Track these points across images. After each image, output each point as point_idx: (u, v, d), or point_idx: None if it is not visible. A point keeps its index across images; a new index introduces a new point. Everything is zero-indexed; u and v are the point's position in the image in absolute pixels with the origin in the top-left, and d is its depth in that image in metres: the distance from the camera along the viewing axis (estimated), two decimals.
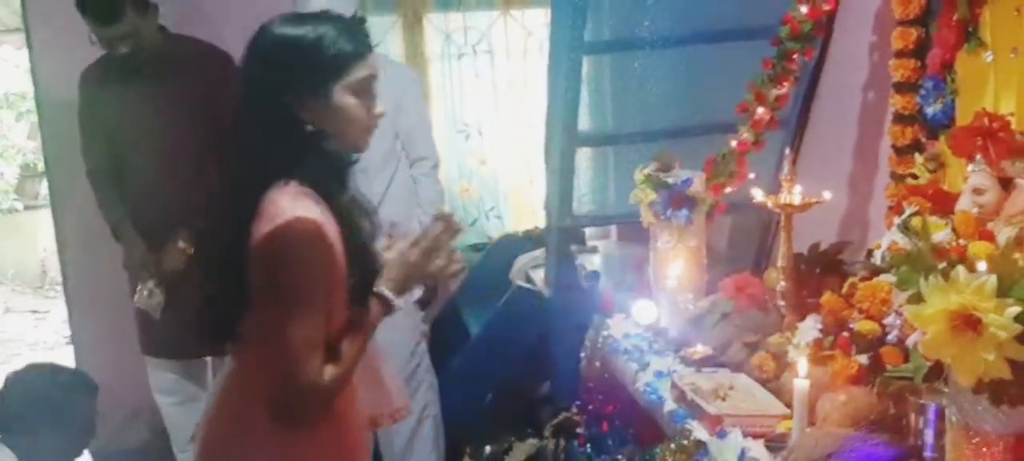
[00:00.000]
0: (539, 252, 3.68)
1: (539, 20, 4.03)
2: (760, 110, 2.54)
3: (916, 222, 1.80)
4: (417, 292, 3.16)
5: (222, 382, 1.75)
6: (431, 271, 1.71)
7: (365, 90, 1.63)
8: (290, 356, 1.53)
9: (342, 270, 1.59)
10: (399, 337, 3.16)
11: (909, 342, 1.46)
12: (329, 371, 1.57)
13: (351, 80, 1.60)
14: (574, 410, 2.87)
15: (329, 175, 1.61)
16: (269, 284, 1.54)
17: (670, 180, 2.38)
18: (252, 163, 1.58)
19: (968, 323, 1.26)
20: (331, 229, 1.56)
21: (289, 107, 1.57)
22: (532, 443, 3.57)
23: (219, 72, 2.81)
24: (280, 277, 1.53)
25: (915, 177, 2.30)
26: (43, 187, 7.01)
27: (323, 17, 1.63)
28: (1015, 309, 1.23)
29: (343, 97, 1.60)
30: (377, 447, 3.29)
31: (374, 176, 2.97)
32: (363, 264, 1.65)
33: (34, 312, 6.60)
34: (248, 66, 1.62)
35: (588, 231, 3.99)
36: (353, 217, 1.64)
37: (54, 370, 2.93)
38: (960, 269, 1.25)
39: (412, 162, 3.16)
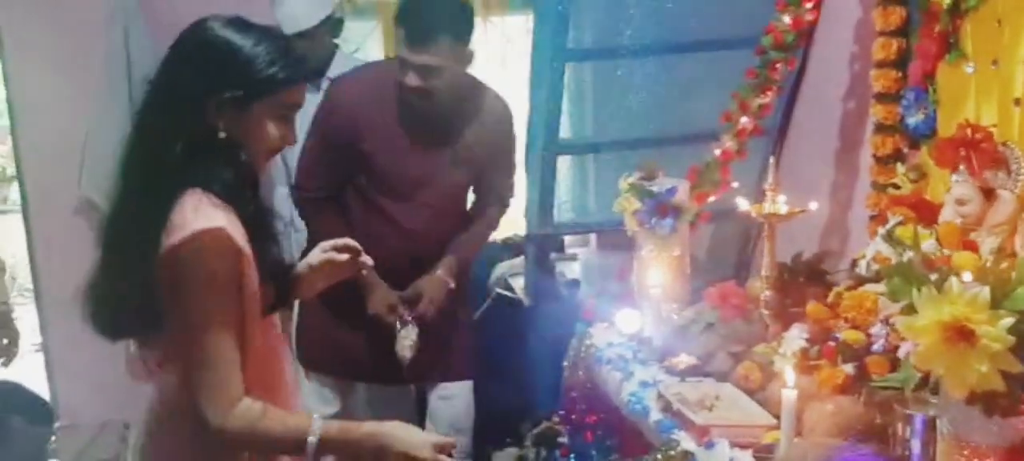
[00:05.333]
0: (518, 260, 3.67)
1: (519, 27, 4.02)
2: (744, 119, 2.55)
3: (903, 232, 1.80)
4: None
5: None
6: None
7: (285, 116, 1.60)
8: (197, 390, 1.50)
9: (253, 276, 1.55)
10: None
11: (901, 353, 1.46)
12: (244, 409, 1.50)
13: (276, 103, 1.57)
14: (556, 419, 2.86)
15: (239, 184, 1.55)
16: (174, 303, 1.49)
17: (654, 189, 2.37)
18: (162, 164, 1.52)
19: (961, 334, 1.26)
20: (239, 235, 1.51)
21: (205, 111, 1.52)
22: (512, 452, 3.56)
23: (499, 125, 2.71)
24: (183, 296, 1.48)
25: (897, 187, 2.32)
26: (12, 192, 6.89)
27: (267, 32, 1.59)
28: (1008, 320, 1.23)
29: (263, 117, 1.56)
30: None
31: None
32: (274, 268, 1.64)
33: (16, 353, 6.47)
34: (176, 59, 1.57)
35: (567, 239, 3.98)
36: (262, 222, 1.60)
37: (9, 391, 2.84)
38: (953, 280, 1.26)
39: None
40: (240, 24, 1.58)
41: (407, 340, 2.66)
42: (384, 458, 1.56)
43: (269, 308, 1.70)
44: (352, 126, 2.61)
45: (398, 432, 1.57)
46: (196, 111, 1.52)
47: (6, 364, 3.24)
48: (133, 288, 1.54)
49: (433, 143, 2.62)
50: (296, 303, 2.77)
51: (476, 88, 2.70)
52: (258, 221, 1.58)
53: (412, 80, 2.48)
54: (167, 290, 1.49)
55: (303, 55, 1.63)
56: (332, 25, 3.30)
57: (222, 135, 1.54)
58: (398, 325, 2.66)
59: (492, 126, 2.68)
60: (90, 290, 1.61)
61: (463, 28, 2.52)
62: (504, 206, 2.91)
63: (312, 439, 1.53)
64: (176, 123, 1.52)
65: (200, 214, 1.47)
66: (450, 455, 1.58)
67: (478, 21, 4.00)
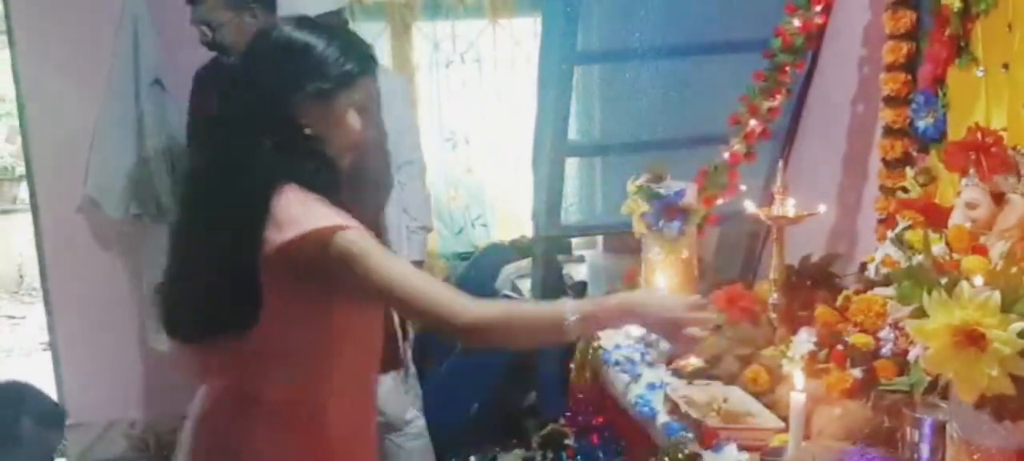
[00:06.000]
0: (526, 262, 3.67)
1: (527, 29, 4.03)
2: (752, 122, 2.55)
3: (913, 236, 1.80)
4: None
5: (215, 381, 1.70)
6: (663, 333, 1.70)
7: (366, 107, 1.65)
8: (432, 311, 1.54)
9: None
10: None
11: (911, 356, 1.45)
12: (487, 302, 1.60)
13: (355, 94, 1.62)
14: (562, 421, 2.86)
15: (327, 181, 1.59)
16: (346, 286, 1.54)
17: (663, 191, 2.37)
18: (252, 164, 1.56)
19: (971, 338, 1.26)
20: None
21: (291, 108, 1.57)
22: (518, 454, 3.57)
23: None
24: (359, 275, 1.52)
25: (905, 190, 2.31)
26: (20, 191, 6.92)
27: (335, 28, 1.66)
28: (1019, 325, 1.23)
29: (345, 109, 1.61)
30: None
31: None
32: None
33: (10, 317, 6.50)
34: (252, 59, 1.62)
35: (574, 241, 3.99)
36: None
37: (21, 392, 2.84)
38: (964, 284, 1.25)
39: (398, 167, 3.13)
40: (310, 24, 1.64)
41: None
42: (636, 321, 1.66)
43: None
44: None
45: (651, 297, 1.72)
46: (281, 109, 1.56)
47: None
48: (224, 286, 1.55)
49: None
50: None
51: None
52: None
53: (206, 36, 2.80)
54: (329, 275, 1.52)
55: (370, 48, 1.68)
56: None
57: (308, 132, 1.58)
58: None
59: None
60: (170, 296, 1.63)
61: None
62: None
63: (571, 318, 1.56)
64: (262, 123, 1.56)
65: (310, 209, 1.51)
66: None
67: (486, 24, 4.04)
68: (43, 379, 4.06)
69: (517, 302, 1.58)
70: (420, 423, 3.25)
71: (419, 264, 3.25)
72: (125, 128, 3.38)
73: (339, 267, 1.52)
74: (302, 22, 1.64)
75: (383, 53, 3.94)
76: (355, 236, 1.52)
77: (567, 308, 1.59)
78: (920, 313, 1.31)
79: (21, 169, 6.61)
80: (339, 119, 1.61)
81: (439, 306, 1.54)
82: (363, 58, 1.63)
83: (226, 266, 1.54)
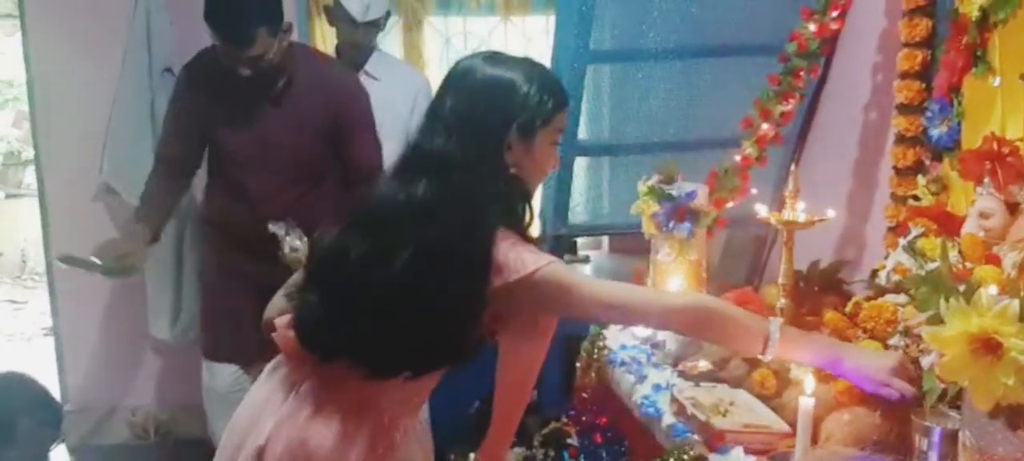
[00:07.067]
0: None
1: (539, 27, 4.03)
2: (765, 126, 2.54)
3: (926, 244, 1.79)
4: None
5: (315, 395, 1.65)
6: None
7: (557, 141, 1.67)
8: (640, 312, 1.68)
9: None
10: None
11: (925, 364, 1.45)
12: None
13: (553, 128, 1.63)
14: (564, 420, 2.85)
15: (526, 222, 1.63)
16: (554, 309, 1.69)
17: (674, 192, 2.36)
18: (471, 204, 1.55)
19: (987, 347, 1.25)
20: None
21: (501, 148, 1.58)
22: (518, 452, 3.54)
23: (340, 96, 2.83)
24: (563, 303, 1.61)
25: (916, 199, 2.31)
26: (26, 175, 6.93)
27: (528, 62, 1.67)
28: None
29: (544, 144, 1.63)
30: None
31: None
32: None
33: (12, 302, 6.51)
34: (461, 101, 1.60)
35: (579, 241, 3.98)
36: None
37: (18, 386, 2.81)
38: (982, 292, 1.25)
39: None
40: (504, 59, 1.65)
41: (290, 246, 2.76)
42: (835, 367, 1.66)
43: None
44: (198, 105, 2.81)
45: (863, 353, 1.69)
46: (496, 151, 1.58)
47: None
48: (445, 326, 1.56)
49: (272, 111, 2.76)
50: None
51: (310, 58, 2.89)
52: None
53: (245, 71, 2.65)
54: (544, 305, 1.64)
55: (559, 78, 1.71)
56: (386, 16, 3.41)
57: (512, 171, 1.60)
58: (282, 231, 2.75)
59: (334, 95, 2.81)
60: (359, 338, 1.57)
61: (275, 17, 2.65)
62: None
63: (776, 335, 1.61)
64: (482, 166, 1.56)
65: (523, 252, 1.56)
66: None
67: (498, 21, 4.03)
68: (45, 364, 4.06)
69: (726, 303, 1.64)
70: (423, 419, 3.25)
71: None
72: (140, 116, 3.38)
73: (541, 297, 1.58)
74: (496, 58, 1.64)
75: (394, 47, 3.94)
76: (556, 269, 1.58)
77: (773, 325, 1.63)
78: (936, 320, 1.31)
79: (27, 154, 6.64)
80: (540, 155, 1.63)
81: (653, 303, 1.66)
82: (559, 92, 1.65)
83: (455, 307, 1.54)
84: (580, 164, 3.65)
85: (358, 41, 3.28)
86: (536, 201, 3.06)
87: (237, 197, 2.84)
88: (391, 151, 3.02)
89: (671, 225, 2.36)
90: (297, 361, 1.65)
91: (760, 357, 1.67)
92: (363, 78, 3.10)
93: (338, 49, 3.39)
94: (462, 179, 1.55)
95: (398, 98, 3.14)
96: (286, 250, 2.74)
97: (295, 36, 2.91)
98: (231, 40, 2.62)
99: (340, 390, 1.62)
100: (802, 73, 2.55)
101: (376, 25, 3.30)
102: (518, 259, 1.55)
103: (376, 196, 1.64)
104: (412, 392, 1.66)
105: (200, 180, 3.03)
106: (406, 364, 1.58)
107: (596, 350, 2.56)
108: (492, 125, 1.58)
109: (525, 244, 1.59)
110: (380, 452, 1.63)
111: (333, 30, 3.42)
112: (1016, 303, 1.23)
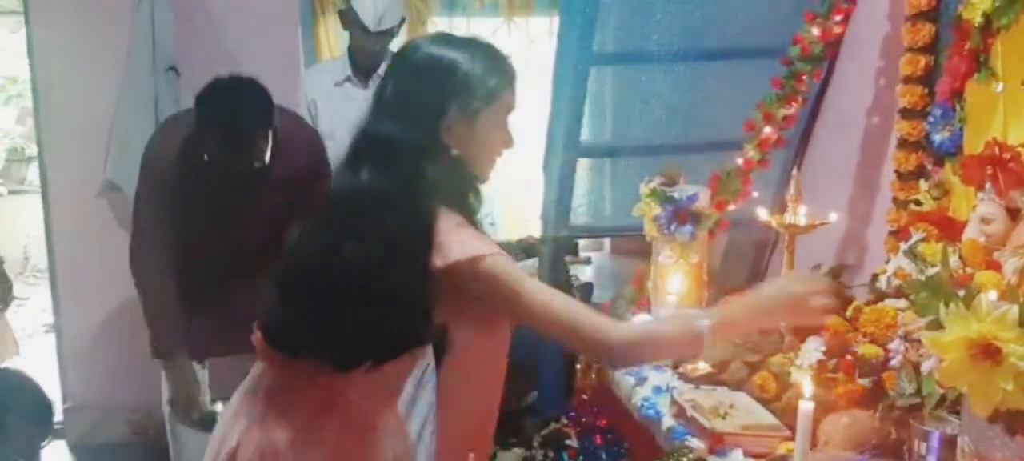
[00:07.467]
0: (532, 261, 3.66)
1: (542, 28, 4.04)
2: (767, 129, 2.54)
3: (927, 249, 1.79)
4: None
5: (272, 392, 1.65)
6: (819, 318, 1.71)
7: (506, 121, 1.65)
8: (581, 335, 1.57)
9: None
10: None
11: (924, 368, 1.45)
12: (627, 324, 1.69)
13: (498, 108, 1.62)
14: (563, 421, 2.85)
15: (472, 203, 1.62)
16: (499, 308, 1.60)
17: (676, 195, 2.36)
18: (408, 187, 1.55)
19: (987, 352, 1.25)
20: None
21: (439, 129, 1.57)
22: (517, 453, 3.55)
23: (309, 156, 2.64)
24: (507, 300, 1.57)
25: (918, 203, 2.30)
26: (29, 172, 6.93)
27: (475, 42, 1.65)
28: None
29: (488, 125, 1.61)
30: None
31: None
32: None
33: (14, 298, 6.50)
34: (399, 81, 1.60)
35: (581, 243, 3.98)
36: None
37: (10, 384, 2.80)
38: (982, 297, 1.25)
39: None
40: (450, 39, 1.65)
41: None
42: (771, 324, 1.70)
43: None
44: (173, 181, 2.57)
45: (770, 287, 1.69)
46: (433, 133, 1.56)
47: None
48: (399, 309, 1.55)
49: (254, 177, 2.56)
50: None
51: (293, 125, 2.71)
52: None
53: (236, 173, 2.50)
54: (478, 295, 1.56)
55: (507, 58, 1.66)
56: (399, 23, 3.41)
57: (455, 153, 1.58)
58: None
59: (306, 156, 2.62)
60: (319, 332, 1.57)
61: (269, 119, 2.50)
62: None
63: (705, 329, 1.58)
64: (419, 148, 1.55)
65: (466, 235, 1.54)
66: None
67: (502, 22, 4.04)
68: (45, 361, 4.07)
69: (651, 319, 1.60)
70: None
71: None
72: (145, 114, 3.37)
73: (485, 288, 1.55)
74: (441, 38, 1.65)
75: (397, 46, 3.94)
76: (504, 261, 1.56)
77: (699, 322, 1.60)
78: (936, 325, 1.31)
79: (30, 151, 6.64)
80: (485, 136, 1.62)
81: (586, 329, 1.56)
82: (503, 72, 1.63)
83: (402, 289, 1.54)
84: (582, 166, 3.65)
85: (371, 48, 3.29)
86: (535, 201, 3.10)
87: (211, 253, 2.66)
88: None
89: (673, 228, 2.36)
90: (268, 361, 1.66)
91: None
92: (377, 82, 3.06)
93: (351, 52, 3.40)
94: (402, 163, 1.55)
95: None
96: None
97: (298, 35, 2.91)
98: (233, 150, 2.49)
99: (308, 387, 1.61)
100: (805, 77, 2.55)
101: (390, 33, 3.30)
102: (460, 240, 1.53)
103: (330, 189, 1.66)
104: (378, 383, 1.63)
105: None
106: (364, 353, 1.57)
107: None
108: (429, 106, 1.56)
109: (471, 228, 1.58)
110: (349, 446, 1.61)
111: (338, 30, 3.43)
112: (1016, 309, 1.23)
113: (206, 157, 2.51)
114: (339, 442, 1.61)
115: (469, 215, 1.61)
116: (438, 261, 1.52)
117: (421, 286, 1.53)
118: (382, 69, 3.24)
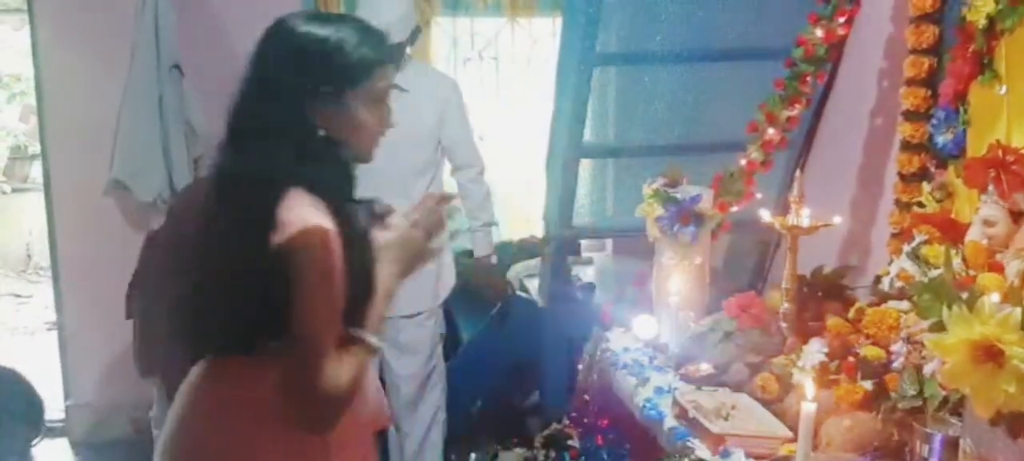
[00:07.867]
0: (534, 261, 3.67)
1: (545, 29, 4.04)
2: (770, 130, 2.54)
3: (930, 251, 1.79)
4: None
5: (205, 386, 1.63)
6: (432, 249, 1.67)
7: (381, 100, 1.60)
8: (309, 363, 1.47)
9: (342, 287, 1.51)
10: (423, 335, 3.20)
11: (926, 370, 1.45)
12: (333, 369, 1.48)
13: (369, 88, 1.57)
14: (565, 421, 2.85)
15: (339, 186, 1.56)
16: (294, 290, 1.47)
17: (678, 196, 2.36)
18: (264, 167, 1.51)
19: (989, 354, 1.25)
20: (338, 245, 1.49)
21: (303, 109, 1.52)
22: (519, 453, 3.55)
23: None
24: (303, 283, 1.46)
25: (921, 205, 2.30)
26: (32, 170, 6.94)
27: (347, 19, 1.61)
28: None
29: (358, 105, 1.56)
30: (386, 450, 3.27)
31: (413, 182, 3.02)
32: (361, 286, 1.57)
33: (16, 296, 6.52)
34: (263, 61, 1.56)
35: (583, 243, 3.98)
36: (357, 235, 1.57)
37: (6, 383, 2.79)
38: (985, 300, 1.25)
39: (457, 169, 3.24)
40: (317, 17, 1.61)
41: None
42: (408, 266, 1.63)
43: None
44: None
45: (395, 266, 1.61)
46: (296, 113, 1.52)
47: None
48: (242, 297, 1.52)
49: None
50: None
51: None
52: (351, 223, 1.55)
53: None
54: (286, 280, 1.46)
55: (385, 34, 1.62)
56: (412, 35, 3.28)
57: (321, 133, 1.54)
58: None
59: None
60: (192, 313, 1.59)
61: None
62: None
63: (373, 340, 1.55)
64: (280, 128, 1.52)
65: (306, 212, 1.46)
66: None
67: (505, 22, 4.04)
68: (47, 358, 4.08)
69: (340, 357, 1.48)
70: None
71: (487, 257, 3.39)
72: (150, 112, 3.38)
73: (299, 261, 1.45)
74: (313, 16, 1.60)
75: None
76: (317, 240, 1.45)
77: (368, 337, 1.55)
78: (939, 327, 1.31)
79: (33, 149, 6.65)
80: (354, 116, 1.56)
81: (313, 371, 1.46)
82: (373, 52, 1.57)
83: (249, 275, 1.50)
84: (585, 166, 3.64)
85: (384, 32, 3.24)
86: (537, 201, 3.10)
87: None
88: (421, 161, 3.07)
89: (675, 228, 2.36)
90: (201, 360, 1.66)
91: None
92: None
93: None
94: (253, 144, 1.52)
95: (425, 107, 3.11)
96: None
97: None
98: None
99: (224, 381, 1.61)
100: (808, 78, 2.55)
101: (400, 47, 3.25)
102: (299, 217, 1.44)
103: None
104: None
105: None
106: (240, 337, 1.55)
107: (598, 352, 2.56)
108: (293, 87, 1.51)
109: (319, 207, 1.48)
110: (269, 438, 1.56)
111: None
112: (1018, 311, 1.23)
113: None
114: (254, 435, 1.57)
115: (336, 197, 1.52)
116: (276, 238, 1.44)
117: (260, 264, 1.46)
118: (398, 76, 3.23)
